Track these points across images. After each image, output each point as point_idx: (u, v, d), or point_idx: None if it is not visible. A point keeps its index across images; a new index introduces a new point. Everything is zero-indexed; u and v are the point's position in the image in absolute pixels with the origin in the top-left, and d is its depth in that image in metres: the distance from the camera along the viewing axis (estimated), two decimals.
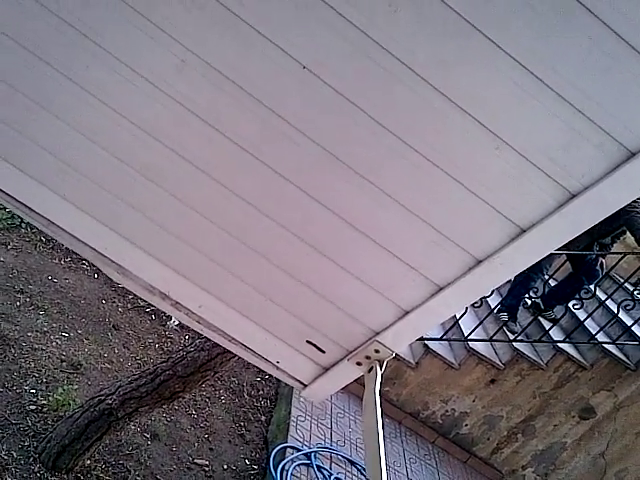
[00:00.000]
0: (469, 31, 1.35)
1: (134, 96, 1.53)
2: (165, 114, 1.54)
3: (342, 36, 1.39)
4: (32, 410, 3.68)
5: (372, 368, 1.70)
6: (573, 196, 1.49)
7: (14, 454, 3.36)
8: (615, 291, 5.42)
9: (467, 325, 5.14)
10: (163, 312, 5.26)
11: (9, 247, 4.98)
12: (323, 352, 1.76)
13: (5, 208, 5.07)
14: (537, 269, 5.16)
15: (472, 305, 4.53)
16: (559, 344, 5.23)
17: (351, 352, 1.74)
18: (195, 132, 1.55)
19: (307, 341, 1.75)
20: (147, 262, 1.70)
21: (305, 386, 1.82)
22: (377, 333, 1.70)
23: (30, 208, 1.68)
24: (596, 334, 5.14)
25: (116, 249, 1.70)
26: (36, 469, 3.35)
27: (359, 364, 1.73)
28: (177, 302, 1.75)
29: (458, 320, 5.03)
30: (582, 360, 5.25)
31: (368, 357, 1.72)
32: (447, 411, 5.55)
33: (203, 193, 1.62)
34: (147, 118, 1.56)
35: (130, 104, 1.55)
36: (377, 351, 1.70)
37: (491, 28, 1.34)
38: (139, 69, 1.51)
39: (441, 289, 1.64)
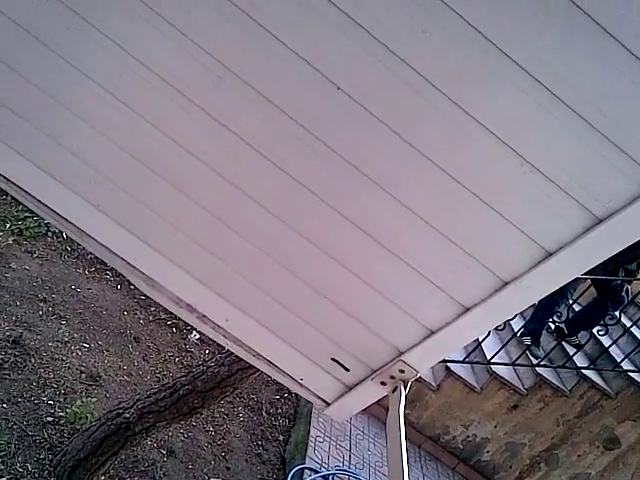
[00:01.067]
0: (499, 55, 1.35)
1: (170, 109, 1.55)
2: (201, 129, 1.55)
3: (378, 60, 1.40)
4: (49, 422, 3.69)
5: (396, 388, 1.68)
6: (600, 221, 1.47)
7: (29, 466, 3.36)
8: None
9: (489, 348, 5.08)
10: (184, 325, 5.27)
11: (34, 255, 5.04)
12: (347, 370, 1.74)
13: (33, 217, 5.16)
14: (561, 294, 5.10)
15: (495, 328, 4.47)
16: (583, 371, 5.13)
17: (376, 371, 1.72)
18: (227, 146, 1.56)
19: (332, 359, 1.73)
20: (176, 274, 1.70)
21: (328, 404, 1.80)
22: (402, 353, 1.68)
23: (64, 217, 1.69)
24: (621, 362, 5.05)
25: (145, 260, 1.71)
26: None
27: (383, 384, 1.71)
28: (204, 315, 1.74)
29: (480, 343, 4.97)
30: (607, 388, 5.15)
31: (393, 377, 1.70)
32: (468, 436, 5.46)
33: (234, 208, 1.62)
34: (182, 131, 1.57)
35: (169, 118, 1.57)
36: (402, 371, 1.68)
37: (519, 53, 1.34)
38: (175, 83, 1.52)
39: (467, 310, 1.62)
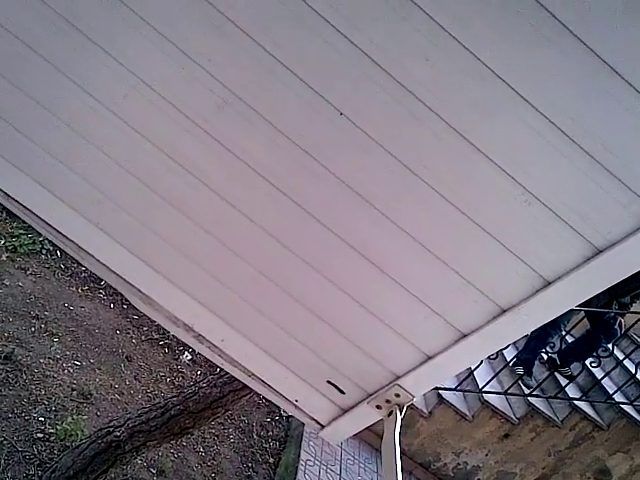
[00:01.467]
0: (501, 86, 1.38)
1: (175, 132, 1.57)
2: (203, 151, 1.57)
3: (380, 86, 1.43)
4: (39, 438, 3.66)
5: (392, 412, 1.68)
6: (599, 251, 1.49)
7: None
8: (633, 351, 5.32)
9: (482, 377, 5.07)
10: (176, 346, 5.26)
11: (28, 272, 5.03)
12: (343, 393, 1.74)
13: (27, 234, 5.15)
14: (555, 324, 5.11)
15: (487, 357, 4.47)
16: (575, 402, 5.12)
17: (371, 395, 1.72)
18: (229, 169, 1.57)
19: (327, 381, 1.74)
20: (173, 293, 1.71)
21: (322, 427, 1.80)
22: (398, 377, 1.69)
23: (63, 234, 1.70)
24: (613, 394, 5.05)
25: (144, 279, 1.72)
26: None
27: (379, 407, 1.71)
28: (200, 335, 1.75)
29: (473, 371, 4.96)
30: (599, 420, 5.14)
31: (388, 401, 1.70)
32: (459, 464, 5.43)
33: (234, 229, 1.63)
34: (184, 152, 1.59)
35: (170, 139, 1.58)
36: (397, 395, 1.69)
37: (521, 84, 1.37)
38: (181, 106, 1.54)
39: (465, 336, 1.63)
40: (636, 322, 4.82)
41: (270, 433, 5.03)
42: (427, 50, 1.38)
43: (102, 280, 5.43)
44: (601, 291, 1.53)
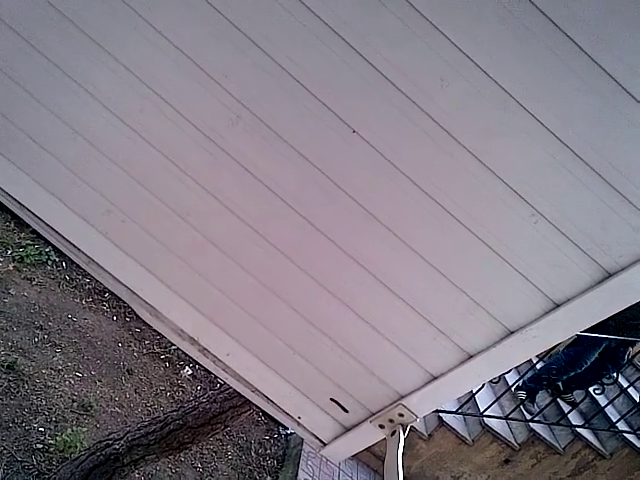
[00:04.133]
0: (512, 105, 1.39)
1: (186, 144, 1.58)
2: (215, 165, 1.58)
3: (393, 105, 1.44)
4: (38, 449, 3.64)
5: (395, 432, 1.67)
6: (610, 275, 1.49)
7: None
8: (638, 379, 5.27)
9: (483, 401, 5.03)
10: (177, 360, 5.24)
11: (34, 283, 5.04)
12: (346, 411, 1.74)
13: (34, 244, 5.17)
14: (574, 361, 5.06)
15: (489, 381, 4.44)
16: (578, 429, 5.08)
17: (375, 414, 1.72)
18: (240, 183, 1.58)
19: (331, 399, 1.73)
20: (180, 306, 1.71)
21: (324, 445, 1.79)
22: (403, 397, 1.68)
23: (74, 245, 1.71)
24: (617, 422, 5.00)
25: (151, 291, 1.72)
26: None
27: (382, 427, 1.71)
28: (205, 348, 1.75)
29: (474, 394, 4.92)
30: (601, 448, 5.08)
31: (392, 420, 1.69)
32: None
33: (244, 244, 1.64)
34: (196, 166, 1.60)
35: (183, 152, 1.60)
36: (401, 415, 1.68)
37: (534, 105, 1.38)
38: (194, 120, 1.56)
39: (471, 357, 1.62)
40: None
41: (268, 451, 4.99)
42: (443, 71, 1.39)
43: (106, 292, 5.44)
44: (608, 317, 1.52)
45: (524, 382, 5.36)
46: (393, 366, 1.67)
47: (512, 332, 1.57)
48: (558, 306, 1.53)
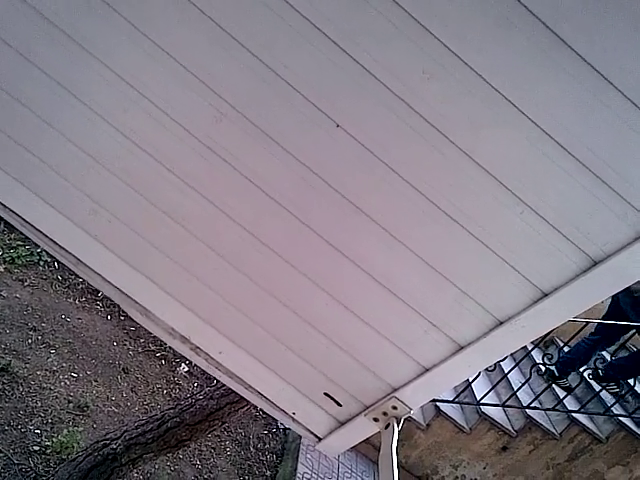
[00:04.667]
0: (497, 98, 1.39)
1: (171, 142, 1.57)
2: (201, 163, 1.57)
3: (377, 99, 1.44)
4: (35, 451, 3.64)
5: (389, 425, 1.67)
6: (596, 263, 1.50)
7: None
8: None
9: (480, 389, 5.06)
10: (173, 357, 5.24)
11: (26, 284, 5.02)
12: (340, 405, 1.74)
13: (25, 245, 5.15)
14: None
15: (485, 369, 4.46)
16: (574, 414, 5.11)
17: (368, 407, 1.72)
18: (227, 181, 1.58)
19: (324, 393, 1.74)
20: (170, 305, 1.71)
21: (320, 439, 1.79)
22: (396, 389, 1.69)
23: (61, 246, 1.70)
24: (612, 406, 5.03)
25: (140, 290, 1.72)
26: None
27: (376, 420, 1.71)
28: (197, 347, 1.75)
29: (471, 383, 4.95)
30: (597, 432, 5.12)
31: (385, 413, 1.70)
32: (457, 477, 5.40)
33: (232, 243, 1.63)
34: (181, 164, 1.59)
35: (168, 150, 1.59)
36: (395, 408, 1.69)
37: (517, 96, 1.38)
38: (179, 118, 1.55)
39: (462, 348, 1.63)
40: (633, 335, 4.83)
41: (267, 446, 5.00)
42: (427, 65, 1.39)
43: (99, 291, 5.42)
44: None
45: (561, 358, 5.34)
46: (385, 359, 1.67)
47: (502, 322, 1.58)
48: (546, 295, 1.54)
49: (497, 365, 4.95)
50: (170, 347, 5.15)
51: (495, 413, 5.20)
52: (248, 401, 1.84)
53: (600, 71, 1.32)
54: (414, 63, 1.39)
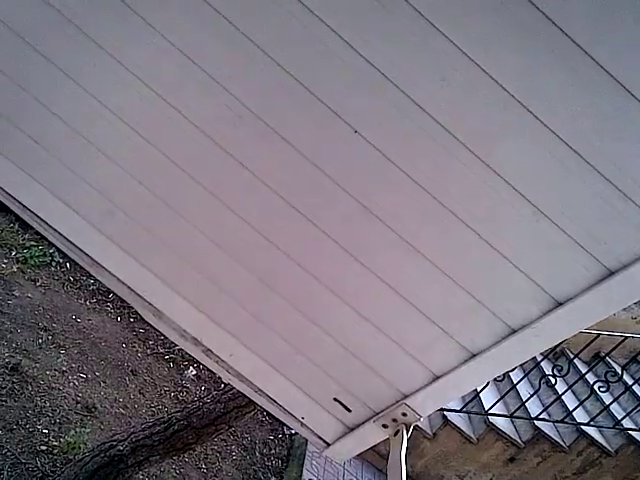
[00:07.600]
0: (514, 105, 1.38)
1: (187, 143, 1.58)
2: (217, 165, 1.58)
3: (394, 105, 1.43)
4: (42, 450, 3.65)
5: (398, 431, 1.66)
6: (611, 273, 1.48)
7: None
8: None
9: (488, 399, 5.02)
10: (181, 360, 5.24)
11: (38, 284, 5.05)
12: (349, 411, 1.73)
13: (38, 246, 5.18)
14: None
15: (494, 379, 4.43)
16: (583, 427, 5.06)
17: (378, 413, 1.71)
18: (243, 183, 1.58)
19: (334, 399, 1.73)
20: (183, 307, 1.71)
21: (328, 445, 1.79)
22: (406, 396, 1.68)
23: (76, 246, 1.71)
24: (622, 419, 4.98)
25: (154, 292, 1.72)
26: None
27: (385, 426, 1.70)
28: (208, 349, 1.75)
29: (479, 393, 4.92)
30: (606, 446, 5.06)
31: (395, 420, 1.69)
32: None
33: (245, 244, 1.64)
34: (198, 166, 1.60)
35: (184, 152, 1.60)
36: (404, 414, 1.68)
37: (535, 103, 1.37)
38: (196, 120, 1.56)
39: (474, 356, 1.62)
40: None
41: (273, 451, 4.99)
42: (444, 71, 1.39)
43: (110, 293, 5.44)
44: None
45: None
46: (396, 366, 1.66)
47: (515, 331, 1.57)
48: (561, 304, 1.52)
49: (506, 375, 4.92)
50: (179, 350, 5.17)
51: (503, 424, 5.16)
52: (255, 405, 1.83)
53: (620, 81, 1.31)
54: (431, 69, 1.39)
